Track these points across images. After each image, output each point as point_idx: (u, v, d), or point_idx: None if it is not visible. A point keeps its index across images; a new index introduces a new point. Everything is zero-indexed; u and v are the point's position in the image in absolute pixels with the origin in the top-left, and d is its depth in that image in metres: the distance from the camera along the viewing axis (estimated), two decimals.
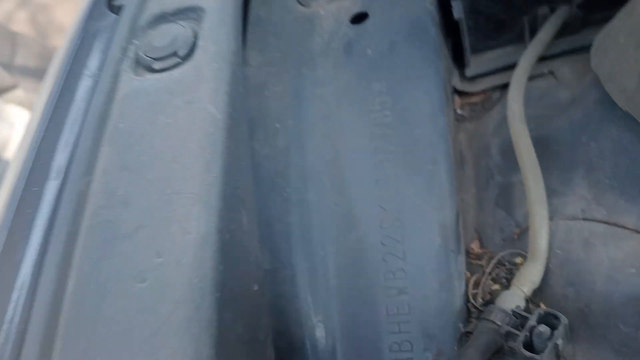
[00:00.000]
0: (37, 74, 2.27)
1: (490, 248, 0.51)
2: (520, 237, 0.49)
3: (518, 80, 0.54)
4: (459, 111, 0.65)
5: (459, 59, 0.66)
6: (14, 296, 0.34)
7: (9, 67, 2.43)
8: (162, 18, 0.49)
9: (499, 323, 0.42)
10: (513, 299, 0.44)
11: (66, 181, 0.39)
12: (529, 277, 0.45)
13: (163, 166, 0.38)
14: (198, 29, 0.46)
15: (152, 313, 0.32)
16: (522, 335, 0.40)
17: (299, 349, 0.48)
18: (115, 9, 0.49)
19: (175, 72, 0.43)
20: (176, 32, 0.46)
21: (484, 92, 0.65)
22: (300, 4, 0.64)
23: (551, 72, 0.61)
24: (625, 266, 0.42)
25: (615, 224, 0.44)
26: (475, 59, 0.65)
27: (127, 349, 0.31)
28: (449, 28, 0.63)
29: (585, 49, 0.61)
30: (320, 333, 0.48)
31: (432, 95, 0.53)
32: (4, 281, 0.35)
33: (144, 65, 0.46)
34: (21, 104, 2.70)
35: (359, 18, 0.60)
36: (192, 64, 0.43)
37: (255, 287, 0.40)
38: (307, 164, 0.53)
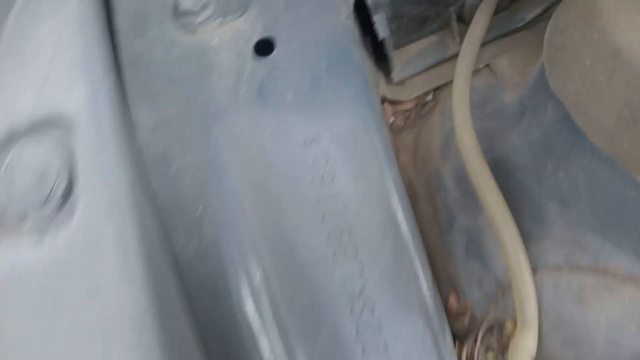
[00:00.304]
0: None
1: (470, 302, 0.46)
2: (504, 295, 0.44)
3: (461, 96, 0.47)
4: (392, 120, 0.58)
5: (380, 59, 0.57)
6: None
7: None
8: (14, 139, 0.35)
9: None
10: None
11: None
12: (525, 349, 0.41)
13: None
14: (70, 156, 0.34)
15: None
16: None
17: None
18: None
19: (59, 238, 0.32)
20: (41, 164, 0.34)
21: (416, 97, 0.57)
22: (185, 30, 0.51)
23: (486, 66, 0.54)
24: (624, 324, 0.39)
25: (605, 272, 0.41)
26: (399, 57, 0.56)
27: None
28: (366, 30, 0.53)
29: (518, 29, 0.55)
30: None
31: (374, 139, 0.45)
32: None
33: (6, 228, 0.33)
34: None
35: (264, 47, 0.49)
36: (79, 221, 0.32)
37: None
38: (248, 258, 0.44)
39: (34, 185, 0.33)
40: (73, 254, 0.31)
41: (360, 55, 0.47)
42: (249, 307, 0.43)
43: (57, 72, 0.36)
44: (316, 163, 0.45)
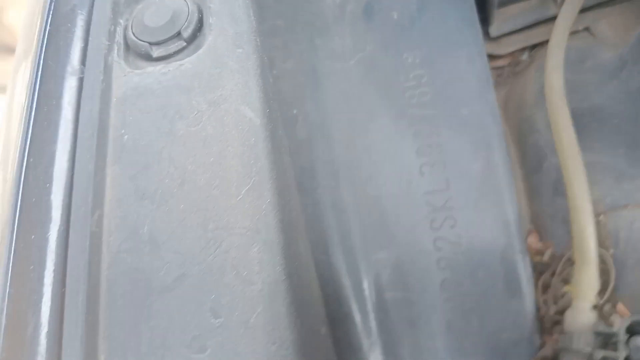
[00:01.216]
0: None
1: (551, 242, 0.45)
2: None
3: (558, 45, 0.47)
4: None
5: (480, 16, 0.58)
6: None
7: None
8: None
9: (589, 349, 0.36)
10: (583, 316, 0.39)
11: (70, 221, 0.29)
12: (587, 285, 0.39)
13: (197, 192, 0.29)
14: (201, 0, 0.36)
15: None
16: (621, 355, 0.35)
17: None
18: None
19: (185, 62, 0.33)
20: (173, 5, 0.36)
21: (511, 54, 0.58)
22: None
23: (587, 29, 0.55)
24: None
25: None
26: (499, 15, 0.57)
27: None
28: None
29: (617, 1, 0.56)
30: (376, 357, 0.41)
31: (476, 64, 0.46)
32: None
33: (138, 53, 0.35)
34: None
35: None
36: (206, 50, 0.33)
37: (323, 330, 0.32)
38: (336, 157, 0.45)
39: (166, 22, 0.35)
40: (197, 77, 0.32)
41: None
42: (329, 208, 0.44)
43: None
44: (413, 79, 0.46)
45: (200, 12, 0.36)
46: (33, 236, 0.29)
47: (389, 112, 0.46)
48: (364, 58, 0.47)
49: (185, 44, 0.35)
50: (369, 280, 0.42)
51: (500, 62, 0.58)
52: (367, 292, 0.42)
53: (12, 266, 0.28)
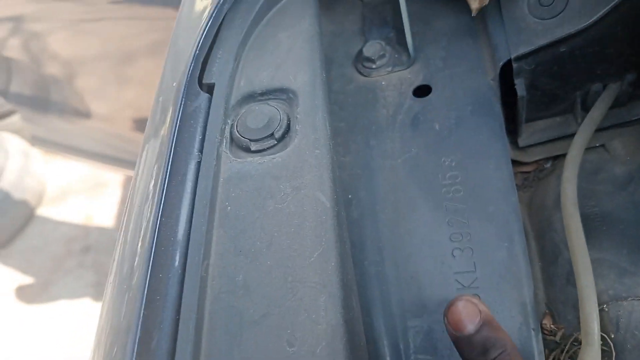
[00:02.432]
0: (33, 101, 2.27)
1: (564, 324, 0.53)
2: None
3: (573, 160, 0.57)
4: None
5: (510, 128, 0.69)
6: None
7: (4, 94, 2.44)
8: (252, 97, 0.50)
9: None
10: None
11: (186, 267, 0.40)
12: None
13: (280, 252, 0.40)
14: (290, 111, 0.48)
15: None
16: None
17: None
18: (206, 88, 0.50)
19: (277, 157, 0.45)
20: (269, 113, 0.48)
21: (536, 162, 0.68)
22: (361, 73, 0.67)
23: (602, 145, 0.64)
24: None
25: None
26: (526, 129, 0.68)
27: None
28: (502, 99, 0.66)
29: (632, 122, 0.65)
30: None
31: (503, 171, 0.55)
32: None
33: (240, 146, 0.47)
34: (16, 131, 2.69)
35: (422, 91, 0.63)
36: (293, 149, 0.45)
37: None
38: (381, 236, 0.55)
39: (263, 125, 0.47)
40: (285, 168, 0.44)
41: (499, 107, 0.59)
42: (374, 279, 0.53)
43: (289, 63, 0.52)
44: (449, 179, 0.56)
45: (289, 119, 0.48)
46: (160, 275, 0.39)
47: (428, 203, 0.55)
48: (409, 158, 0.58)
49: (276, 142, 0.46)
50: (405, 343, 0.50)
51: (526, 168, 0.68)
52: (402, 353, 0.50)
53: (145, 295, 0.38)
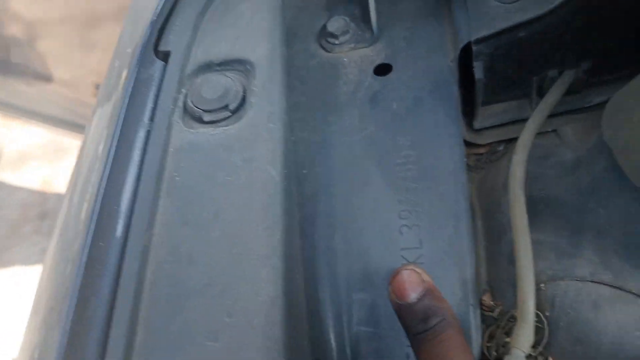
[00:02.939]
0: None
1: (503, 301, 0.55)
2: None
3: (524, 143, 0.58)
4: (465, 160, 0.69)
5: (466, 110, 0.71)
6: (87, 354, 0.35)
7: None
8: (208, 67, 0.50)
9: None
10: None
11: (128, 236, 0.39)
12: (524, 338, 0.49)
13: (226, 225, 0.40)
14: (247, 83, 0.48)
15: None
16: None
17: None
18: (161, 55, 0.50)
19: (230, 129, 0.45)
20: (225, 84, 0.48)
21: (489, 144, 0.69)
22: (324, 49, 0.66)
23: (554, 131, 0.66)
24: (630, 330, 0.47)
25: (620, 288, 0.49)
26: (482, 112, 0.69)
27: None
28: (461, 82, 0.67)
29: (585, 109, 0.67)
30: None
31: (454, 153, 0.56)
32: (78, 336, 0.36)
33: (193, 116, 0.47)
34: None
35: (383, 70, 0.63)
36: (247, 121, 0.45)
37: (306, 343, 0.42)
38: (334, 211, 0.55)
39: (218, 96, 0.47)
40: (237, 140, 0.44)
41: (456, 90, 0.60)
42: (323, 252, 0.54)
43: (248, 35, 0.51)
44: (403, 158, 0.57)
45: (245, 91, 0.47)
46: (101, 243, 0.39)
47: (381, 181, 0.56)
48: (366, 136, 0.59)
49: (230, 114, 0.46)
50: (348, 315, 0.52)
51: (480, 150, 0.69)
52: (345, 325, 0.52)
53: (85, 262, 0.38)
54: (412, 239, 0.54)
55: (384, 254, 0.54)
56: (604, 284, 0.50)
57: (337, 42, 0.66)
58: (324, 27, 0.66)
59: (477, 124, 0.69)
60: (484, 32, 0.57)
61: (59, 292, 0.38)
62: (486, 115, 0.69)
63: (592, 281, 0.51)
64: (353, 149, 0.58)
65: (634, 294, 0.49)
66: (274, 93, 0.46)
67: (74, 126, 2.15)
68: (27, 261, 2.43)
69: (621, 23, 0.58)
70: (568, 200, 0.57)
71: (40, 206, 2.60)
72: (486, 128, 0.69)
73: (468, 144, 0.70)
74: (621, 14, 0.57)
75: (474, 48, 0.59)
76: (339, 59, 0.65)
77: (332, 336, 0.52)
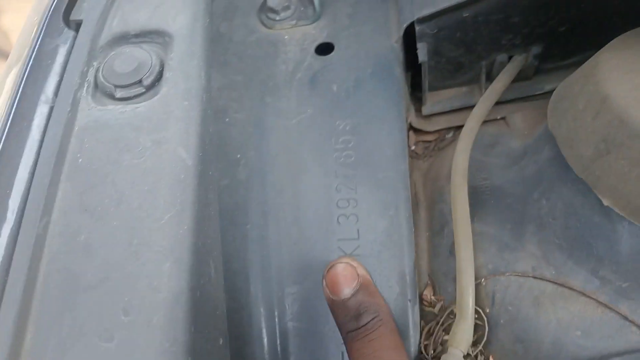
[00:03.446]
0: None
1: (444, 295, 0.52)
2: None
3: (469, 131, 0.56)
4: (412, 148, 0.66)
5: (415, 95, 0.68)
6: None
7: None
8: (124, 39, 0.45)
9: None
10: None
11: (21, 223, 0.35)
12: (462, 336, 0.46)
13: (129, 213, 0.36)
14: (165, 57, 0.44)
15: None
16: None
17: None
18: (73, 25, 0.45)
19: (141, 106, 0.40)
20: (140, 57, 0.43)
21: (438, 131, 0.66)
22: (264, 25, 0.62)
23: (503, 118, 0.63)
24: (571, 328, 0.45)
25: (562, 285, 0.47)
26: (431, 97, 0.66)
27: None
28: (409, 65, 0.64)
29: (535, 96, 0.65)
30: None
31: (395, 138, 0.53)
32: None
33: (104, 92, 0.42)
34: None
35: (325, 49, 0.59)
36: (160, 98, 0.41)
37: (221, 341, 0.38)
38: (268, 199, 0.52)
39: (131, 70, 0.42)
40: (147, 119, 0.39)
41: (400, 72, 0.57)
42: (255, 243, 0.50)
43: (169, 4, 0.47)
44: (342, 143, 0.54)
45: (162, 66, 0.43)
46: None
47: (319, 168, 0.53)
48: (304, 119, 0.55)
49: (144, 90, 0.42)
50: (281, 309, 0.48)
51: (428, 137, 0.66)
52: (277, 319, 0.48)
53: None
54: (350, 230, 0.51)
55: (319, 245, 0.50)
56: (546, 280, 0.48)
57: (277, 17, 0.62)
58: (265, 1, 0.62)
59: (425, 110, 0.66)
60: (427, 11, 0.54)
61: None
62: (435, 101, 0.66)
63: (534, 277, 0.49)
64: (290, 132, 0.55)
65: (576, 290, 0.47)
66: (192, 68, 0.42)
67: None
68: None
69: (571, 5, 0.55)
70: (512, 191, 0.54)
71: None
72: (435, 114, 0.66)
73: (417, 130, 0.67)
74: None
75: (417, 28, 0.55)
76: (279, 36, 0.61)
77: (263, 332, 0.48)
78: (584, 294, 0.46)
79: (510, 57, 0.61)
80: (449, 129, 0.66)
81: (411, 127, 0.67)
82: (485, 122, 0.61)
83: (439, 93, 0.67)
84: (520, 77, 0.63)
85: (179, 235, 0.35)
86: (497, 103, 0.62)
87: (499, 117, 0.63)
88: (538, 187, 0.52)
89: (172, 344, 0.32)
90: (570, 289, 0.47)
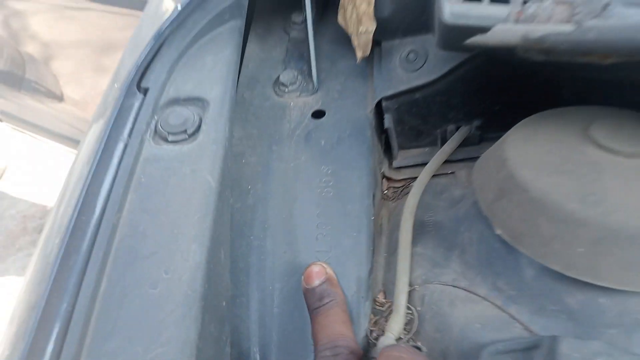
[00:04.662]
0: (7, 76, 2.36)
1: (391, 300, 0.71)
2: (410, 295, 0.69)
3: (421, 181, 0.76)
4: (385, 191, 0.86)
5: (389, 152, 0.88)
6: (65, 296, 0.51)
7: None
8: (176, 102, 0.68)
9: None
10: (388, 341, 0.64)
11: (103, 217, 0.56)
12: (395, 325, 0.64)
13: (172, 213, 0.56)
14: (203, 115, 0.65)
15: (160, 309, 0.49)
16: None
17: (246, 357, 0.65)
18: (143, 90, 0.67)
19: (184, 147, 0.62)
20: (186, 115, 0.65)
21: (404, 179, 0.86)
22: (276, 94, 0.84)
23: (453, 173, 0.83)
24: (474, 322, 0.63)
25: (472, 292, 0.65)
26: (401, 154, 0.87)
27: (141, 331, 0.48)
28: (382, 129, 0.85)
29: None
30: (257, 349, 0.66)
31: (363, 181, 0.74)
32: (59, 286, 0.52)
33: (161, 137, 0.64)
34: None
35: (319, 114, 0.81)
36: (197, 142, 0.62)
37: (224, 304, 0.58)
38: (268, 219, 0.72)
39: (180, 123, 0.64)
40: (188, 156, 0.61)
41: (370, 134, 0.77)
42: (255, 250, 0.70)
43: (208, 80, 0.69)
44: (324, 182, 0.74)
45: (200, 121, 0.65)
46: (83, 217, 0.56)
47: (306, 199, 0.73)
48: (299, 164, 0.76)
49: (187, 137, 0.63)
50: (270, 298, 0.67)
51: (397, 184, 0.86)
52: (267, 305, 0.67)
53: (70, 235, 0.55)
54: (325, 245, 0.70)
55: (302, 254, 0.70)
56: (460, 288, 0.66)
57: (286, 90, 0.84)
58: (278, 77, 0.84)
59: (395, 164, 0.86)
60: (390, 92, 0.75)
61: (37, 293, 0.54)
62: (404, 157, 0.87)
63: (452, 286, 0.67)
64: (287, 172, 0.76)
65: (480, 296, 0.65)
66: (221, 124, 0.64)
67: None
68: (20, 272, 2.54)
69: (500, 93, 0.76)
70: (448, 225, 0.73)
71: (40, 219, 2.74)
72: (403, 167, 0.86)
73: (389, 179, 0.87)
74: (495, 85, 0.75)
75: (384, 104, 0.76)
76: (286, 103, 0.83)
77: (257, 315, 0.67)
78: (485, 299, 0.64)
79: (458, 127, 0.82)
80: (413, 178, 0.86)
81: (384, 176, 0.87)
82: (439, 175, 0.81)
83: (408, 151, 0.87)
84: (468, 142, 0.84)
85: (202, 229, 0.55)
86: (451, 161, 0.82)
87: (449, 172, 0.83)
88: (464, 223, 0.71)
89: (193, 292, 0.51)
90: (477, 295, 0.65)
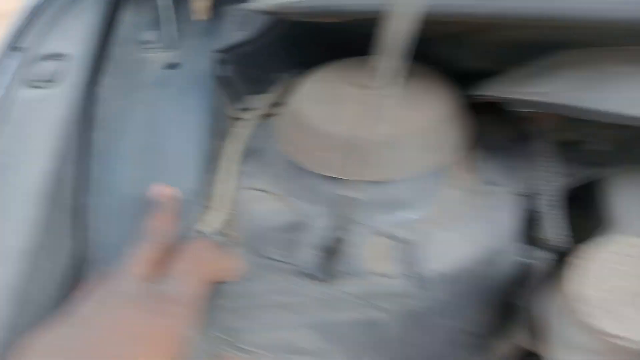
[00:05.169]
0: None
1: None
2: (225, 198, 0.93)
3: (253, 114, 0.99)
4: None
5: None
6: None
7: None
8: (46, 58, 0.89)
9: None
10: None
11: None
12: (208, 221, 0.88)
13: (32, 137, 0.79)
14: (68, 67, 0.87)
15: None
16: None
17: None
18: (18, 50, 0.89)
19: (49, 91, 0.84)
20: (53, 67, 0.87)
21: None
22: (142, 51, 1.06)
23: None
24: (261, 211, 0.87)
25: (266, 192, 0.90)
26: (249, 99, 1.09)
27: None
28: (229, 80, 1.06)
29: None
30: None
31: (204, 118, 0.96)
32: None
33: (30, 86, 0.86)
34: None
35: (173, 66, 1.03)
36: (60, 88, 0.84)
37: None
38: (126, 148, 0.95)
39: (47, 73, 0.86)
40: (51, 97, 0.83)
41: (215, 82, 0.99)
42: None
43: (75, 38, 0.90)
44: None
45: (65, 72, 0.86)
46: None
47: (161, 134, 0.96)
48: (154, 107, 0.98)
49: (52, 84, 0.85)
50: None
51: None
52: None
53: None
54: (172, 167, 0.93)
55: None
56: (257, 190, 0.91)
57: (150, 47, 1.05)
58: (144, 36, 1.05)
59: (241, 106, 1.09)
60: (223, 46, 0.97)
61: None
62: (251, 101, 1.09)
63: (254, 189, 0.91)
64: (145, 113, 0.98)
65: (268, 192, 0.89)
66: (81, 73, 0.86)
67: None
68: None
69: (314, 45, 0.98)
70: (265, 149, 0.97)
71: None
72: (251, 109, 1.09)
73: (237, 118, 1.10)
74: (308, 39, 0.97)
75: (222, 56, 0.99)
76: (149, 58, 1.05)
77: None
78: (273, 194, 0.89)
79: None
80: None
81: (234, 117, 1.10)
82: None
83: (255, 96, 1.10)
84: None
85: (54, 144, 0.78)
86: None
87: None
88: (273, 146, 0.94)
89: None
90: (267, 192, 0.89)
